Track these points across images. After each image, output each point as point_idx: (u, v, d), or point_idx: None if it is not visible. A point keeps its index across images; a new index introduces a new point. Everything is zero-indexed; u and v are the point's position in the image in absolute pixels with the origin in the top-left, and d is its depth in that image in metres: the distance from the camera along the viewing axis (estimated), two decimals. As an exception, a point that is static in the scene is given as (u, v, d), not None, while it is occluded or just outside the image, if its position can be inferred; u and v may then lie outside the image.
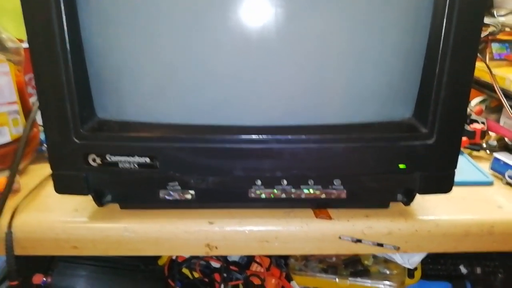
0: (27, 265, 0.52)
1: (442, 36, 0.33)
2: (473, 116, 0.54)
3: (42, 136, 0.51)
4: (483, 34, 0.62)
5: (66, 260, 0.53)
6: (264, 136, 0.34)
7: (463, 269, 0.57)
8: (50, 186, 0.41)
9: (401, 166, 0.36)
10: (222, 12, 0.32)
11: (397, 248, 0.40)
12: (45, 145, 0.51)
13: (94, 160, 0.35)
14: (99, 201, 0.38)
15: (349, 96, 0.35)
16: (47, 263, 0.55)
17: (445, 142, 0.36)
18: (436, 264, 0.56)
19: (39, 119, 0.44)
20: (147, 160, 0.35)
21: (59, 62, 0.32)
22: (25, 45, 0.49)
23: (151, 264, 0.59)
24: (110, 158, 0.35)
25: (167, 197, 0.38)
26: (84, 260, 0.53)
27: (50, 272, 0.52)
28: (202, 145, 0.34)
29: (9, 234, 0.39)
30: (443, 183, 0.38)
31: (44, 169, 0.48)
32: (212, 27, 0.32)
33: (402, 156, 0.36)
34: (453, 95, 0.34)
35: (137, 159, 0.35)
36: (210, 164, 0.35)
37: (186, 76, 0.33)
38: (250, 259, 0.63)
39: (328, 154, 0.35)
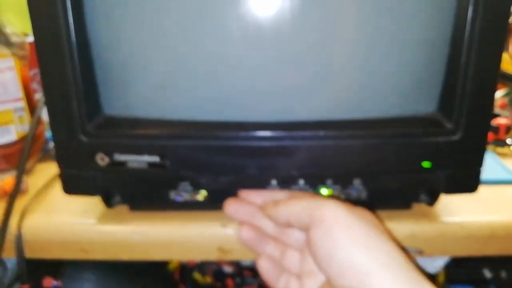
0: (37, 268, 0.51)
1: (468, 24, 0.31)
2: (497, 110, 0.52)
3: (47, 133, 0.50)
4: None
5: (76, 263, 0.52)
6: (279, 133, 0.33)
7: (487, 273, 0.55)
8: (57, 187, 0.39)
9: (425, 164, 0.34)
10: (232, 2, 0.30)
11: (421, 252, 0.38)
12: (51, 143, 0.50)
13: (102, 159, 0.33)
14: (108, 202, 0.37)
15: (369, 90, 0.33)
16: (57, 267, 0.54)
17: (471, 137, 0.33)
18: (459, 268, 0.54)
19: (44, 116, 0.43)
20: (157, 159, 0.33)
21: (65, 56, 0.31)
22: (30, 39, 0.49)
23: (162, 268, 0.58)
24: (118, 156, 0.33)
25: (178, 198, 0.36)
26: (93, 264, 0.52)
27: (60, 276, 0.51)
28: (214, 142, 0.33)
29: (19, 236, 0.38)
30: (469, 181, 0.36)
31: (51, 168, 0.47)
32: (223, 18, 0.31)
33: (425, 153, 0.34)
34: (480, 88, 0.32)
35: (146, 158, 0.33)
36: (222, 162, 0.33)
37: (196, 70, 0.32)
38: (263, 263, 0.61)
39: (347, 151, 0.33)
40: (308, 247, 0.28)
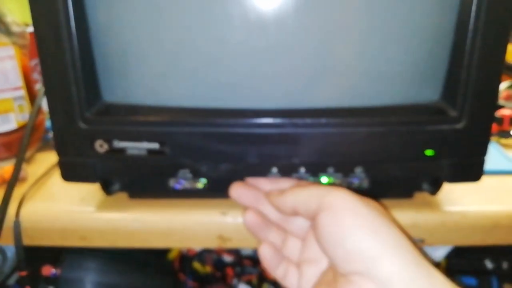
0: (36, 257, 0.51)
1: (473, 12, 0.30)
2: (501, 102, 0.51)
3: (48, 123, 0.50)
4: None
5: (75, 252, 0.52)
6: (280, 120, 0.32)
7: (489, 264, 0.54)
8: (57, 175, 0.39)
9: (428, 152, 0.34)
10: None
11: (422, 241, 0.38)
12: (51, 132, 0.50)
13: (101, 146, 0.33)
14: (107, 189, 0.37)
15: (372, 77, 0.32)
16: (56, 255, 0.54)
17: (475, 126, 0.33)
18: (461, 258, 0.53)
19: (45, 106, 0.42)
20: (156, 145, 0.33)
21: (64, 43, 0.30)
22: (30, 29, 0.48)
23: (161, 257, 0.58)
24: (117, 143, 0.33)
25: (177, 185, 0.36)
26: (93, 252, 0.52)
27: (59, 264, 0.51)
28: (214, 129, 0.32)
29: (17, 223, 0.38)
30: (472, 170, 0.36)
31: (50, 158, 0.47)
32: (224, 4, 0.30)
33: (429, 141, 0.33)
34: (485, 75, 0.32)
35: (145, 144, 0.33)
36: (222, 150, 0.33)
37: (196, 57, 0.31)
38: (263, 253, 0.61)
39: (350, 139, 0.33)
40: (315, 233, 0.28)
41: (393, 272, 0.24)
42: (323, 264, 0.30)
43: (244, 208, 0.34)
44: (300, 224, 0.32)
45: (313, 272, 0.30)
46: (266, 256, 0.33)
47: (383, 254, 0.25)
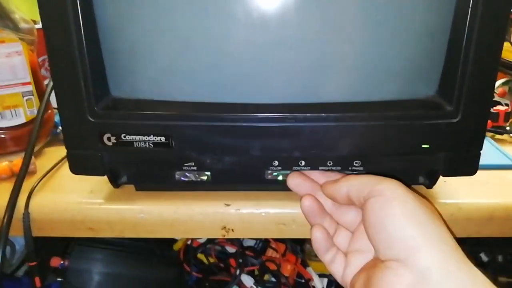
0: (45, 249, 0.52)
1: (470, 7, 0.31)
2: (496, 98, 0.52)
3: (56, 118, 0.51)
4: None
5: (83, 243, 0.53)
6: (281, 114, 0.33)
7: (484, 257, 0.56)
8: (65, 168, 0.40)
9: (424, 146, 0.35)
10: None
11: (419, 232, 0.39)
12: (60, 127, 0.51)
13: (109, 139, 0.34)
14: (115, 182, 0.38)
15: (370, 73, 0.34)
16: (65, 247, 0.55)
17: (470, 120, 0.34)
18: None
19: (53, 102, 0.44)
20: (163, 139, 0.34)
21: (72, 39, 0.31)
22: (38, 25, 0.49)
23: (167, 249, 0.59)
24: (125, 137, 0.34)
25: (183, 178, 0.37)
26: (100, 244, 0.54)
27: (67, 256, 0.53)
28: (218, 123, 0.34)
29: (26, 215, 0.39)
30: (468, 164, 0.37)
31: (59, 152, 0.48)
32: (228, 2, 0.31)
33: (425, 135, 0.34)
34: (480, 71, 0.32)
35: (152, 138, 0.34)
36: (226, 143, 0.34)
37: (201, 52, 0.33)
38: (265, 245, 0.62)
39: (348, 133, 0.34)
40: (363, 217, 0.29)
41: (432, 264, 0.24)
42: (370, 255, 0.31)
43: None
44: (351, 217, 0.34)
45: (359, 262, 0.31)
46: (318, 239, 0.33)
47: (425, 245, 0.25)
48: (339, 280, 0.33)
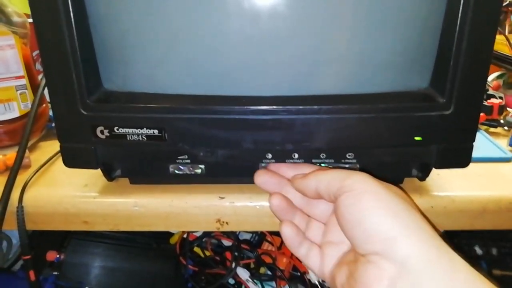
0: (40, 243, 0.52)
1: None
2: (491, 91, 0.52)
3: (51, 112, 0.51)
4: (503, 3, 0.60)
5: (79, 237, 0.54)
6: (274, 107, 0.33)
7: (478, 250, 0.56)
8: (60, 162, 0.40)
9: (417, 138, 0.35)
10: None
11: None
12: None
13: (102, 132, 0.34)
14: (109, 175, 0.38)
15: (362, 65, 0.34)
16: (61, 241, 0.56)
17: (463, 112, 0.34)
18: (450, 244, 0.55)
19: (47, 95, 0.44)
20: (156, 131, 0.34)
21: (63, 31, 0.31)
22: (31, 19, 0.49)
23: (163, 242, 0.60)
24: (118, 130, 0.34)
25: (176, 171, 0.37)
26: (96, 237, 0.54)
27: (64, 249, 0.53)
28: (211, 116, 0.34)
29: (20, 208, 0.39)
30: (460, 156, 0.37)
31: (54, 146, 0.48)
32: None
33: (418, 127, 0.35)
34: (473, 63, 0.32)
35: (145, 131, 0.34)
36: (219, 136, 0.34)
37: (193, 45, 0.32)
38: (261, 238, 0.63)
39: (341, 125, 0.34)
40: (336, 214, 0.29)
41: (412, 254, 0.24)
42: (345, 246, 0.31)
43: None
44: (322, 208, 0.34)
45: (335, 253, 0.31)
46: (288, 235, 0.33)
47: (402, 235, 0.25)
48: (317, 273, 0.33)
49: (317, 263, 0.32)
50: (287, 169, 0.36)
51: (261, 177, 0.35)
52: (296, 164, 0.36)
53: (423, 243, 0.25)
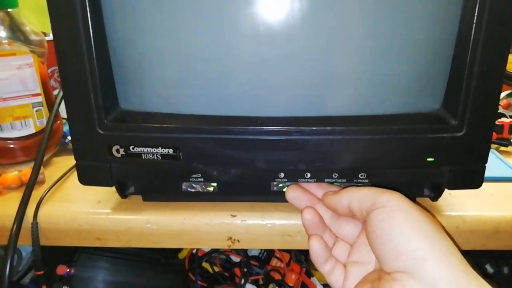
0: (51, 257, 0.53)
1: (474, 22, 0.31)
2: (501, 110, 0.53)
3: (65, 128, 0.52)
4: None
5: (89, 252, 0.54)
6: (288, 128, 0.34)
7: (489, 269, 0.55)
8: (74, 178, 0.41)
9: (430, 159, 0.35)
10: (244, 1, 0.31)
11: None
12: (68, 137, 0.52)
13: (117, 151, 0.35)
14: (123, 192, 0.39)
15: (375, 87, 0.34)
16: (71, 255, 0.56)
17: (475, 134, 0.34)
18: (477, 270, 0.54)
19: (62, 112, 0.44)
20: (170, 151, 0.34)
21: (82, 51, 0.32)
22: (48, 38, 0.50)
23: (172, 257, 0.60)
24: (133, 149, 0.35)
25: (189, 189, 0.38)
26: (106, 252, 0.54)
27: (73, 264, 0.53)
28: (225, 136, 0.34)
29: (35, 224, 0.39)
30: (473, 177, 0.37)
31: (67, 161, 0.49)
32: (235, 16, 0.32)
33: (430, 149, 0.35)
34: (485, 85, 0.33)
35: (160, 150, 0.35)
36: (232, 155, 0.35)
37: (208, 66, 0.33)
38: (270, 254, 0.62)
39: (354, 146, 0.34)
40: (366, 229, 0.29)
41: (441, 276, 0.24)
42: (370, 266, 0.31)
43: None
44: (350, 229, 0.34)
45: (359, 273, 0.31)
46: (316, 249, 0.33)
47: (431, 257, 0.25)
48: None
49: (340, 281, 0.32)
50: (317, 189, 0.36)
51: (293, 192, 0.36)
52: (326, 184, 0.36)
53: (452, 267, 0.25)
